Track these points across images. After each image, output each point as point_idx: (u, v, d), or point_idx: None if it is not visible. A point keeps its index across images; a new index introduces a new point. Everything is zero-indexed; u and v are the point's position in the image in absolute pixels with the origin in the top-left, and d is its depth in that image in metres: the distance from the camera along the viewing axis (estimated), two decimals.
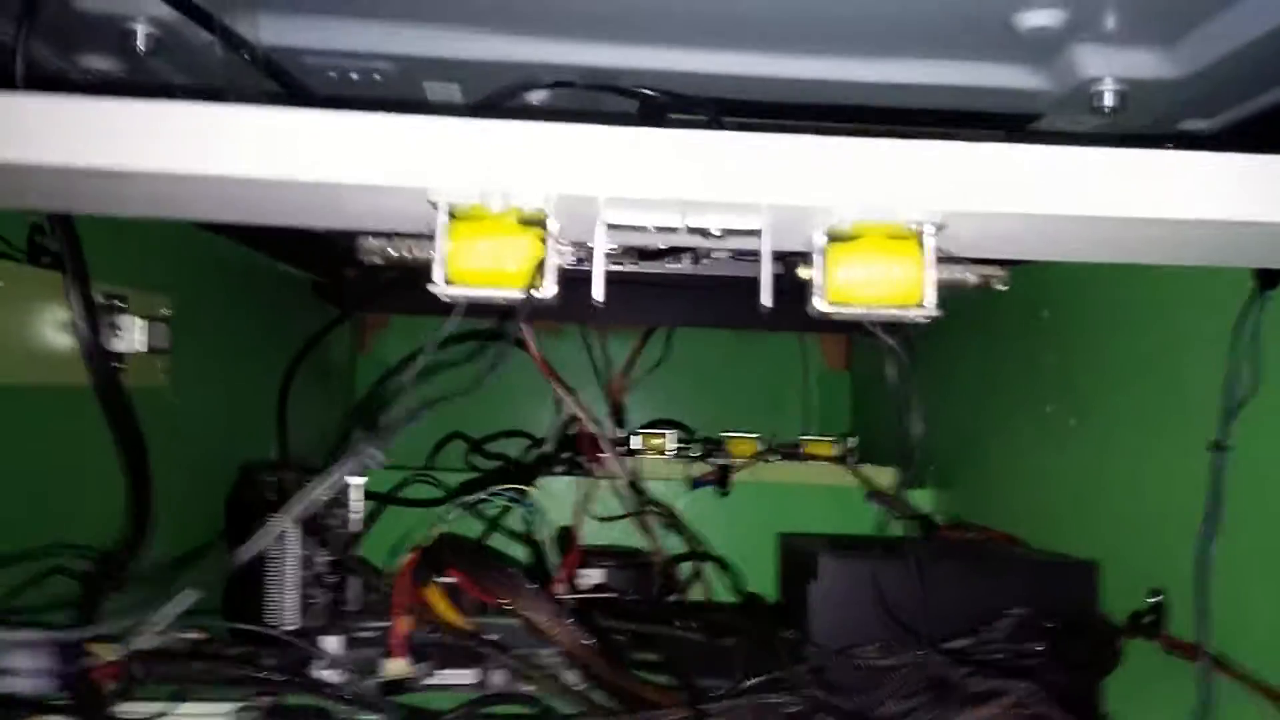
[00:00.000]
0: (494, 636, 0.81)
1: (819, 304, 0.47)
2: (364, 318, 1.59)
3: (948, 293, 0.48)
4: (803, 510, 1.24)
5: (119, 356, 0.83)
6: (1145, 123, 0.72)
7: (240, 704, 0.66)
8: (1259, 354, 0.72)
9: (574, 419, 1.34)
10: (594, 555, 1.11)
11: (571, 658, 0.75)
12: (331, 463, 0.70)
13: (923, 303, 0.47)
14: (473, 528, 1.13)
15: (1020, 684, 0.75)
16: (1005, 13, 0.58)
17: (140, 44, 0.60)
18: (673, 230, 0.47)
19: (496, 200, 0.45)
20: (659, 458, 1.39)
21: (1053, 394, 1.05)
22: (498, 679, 0.82)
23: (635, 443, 1.40)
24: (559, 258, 0.47)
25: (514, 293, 0.47)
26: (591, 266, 0.46)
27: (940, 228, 0.46)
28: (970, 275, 0.48)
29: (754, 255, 0.50)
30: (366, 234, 0.48)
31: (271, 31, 0.61)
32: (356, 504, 0.97)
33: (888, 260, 0.46)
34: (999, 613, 0.81)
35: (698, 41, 0.64)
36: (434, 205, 0.45)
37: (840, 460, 1.37)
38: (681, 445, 1.42)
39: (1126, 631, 0.84)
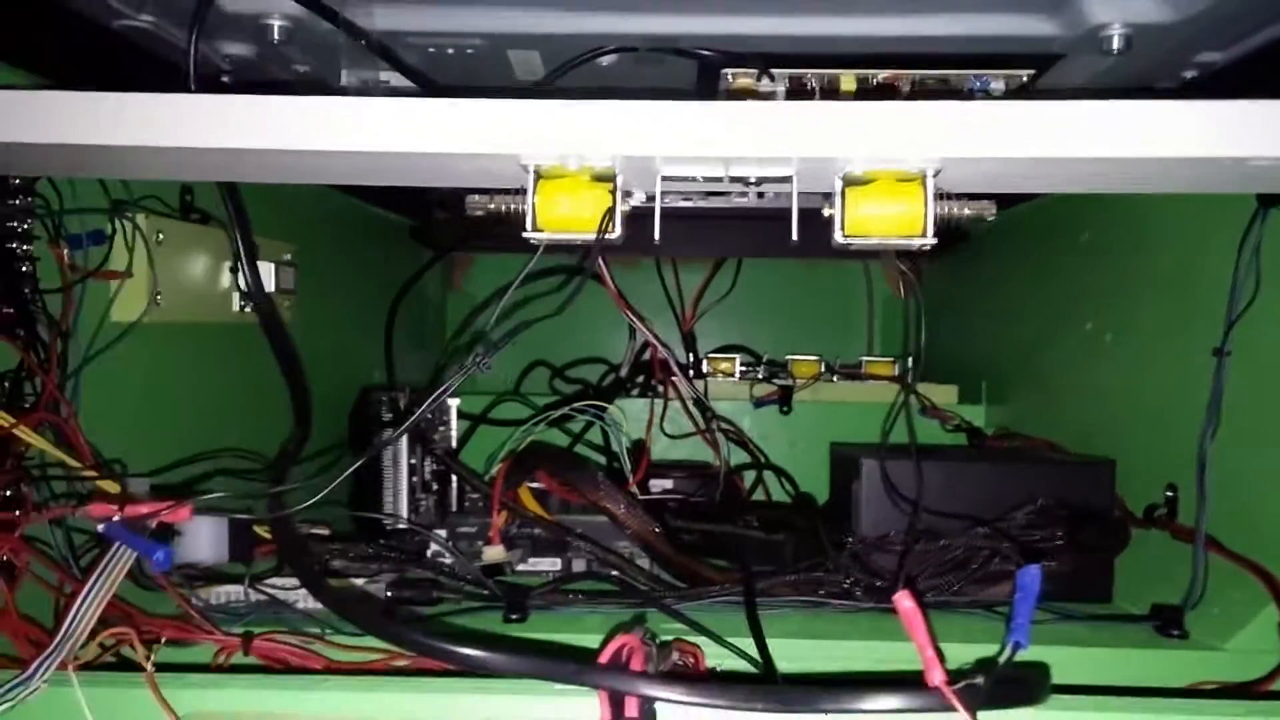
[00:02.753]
0: (575, 525, 0.94)
1: (838, 237, 0.58)
2: (454, 257, 1.71)
3: (948, 224, 0.58)
4: (860, 426, 1.31)
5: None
6: (1157, 59, 0.79)
7: (368, 577, 0.80)
8: (1259, 266, 0.79)
9: (648, 346, 1.44)
10: (665, 467, 1.23)
11: (641, 542, 0.88)
12: (439, 384, 0.82)
13: (925, 233, 0.57)
14: (557, 442, 1.25)
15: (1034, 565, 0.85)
16: None
17: (275, 36, 0.72)
18: (718, 179, 0.58)
19: (573, 161, 0.56)
20: (726, 379, 1.50)
21: (1092, 312, 1.13)
22: (578, 565, 0.95)
23: (704, 367, 1.52)
24: (625, 206, 0.58)
25: (589, 235, 0.58)
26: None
27: (938, 172, 0.56)
28: (966, 209, 0.58)
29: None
30: (472, 191, 0.59)
31: (381, 19, 0.73)
32: (452, 421, 1.11)
33: (894, 200, 0.57)
34: (1024, 501, 0.91)
35: (746, 9, 0.73)
36: (524, 168, 0.56)
37: (898, 379, 1.45)
38: (747, 368, 1.53)
39: (1139, 522, 0.94)
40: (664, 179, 0.58)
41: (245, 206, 0.72)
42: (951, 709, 0.41)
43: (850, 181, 0.57)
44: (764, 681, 0.65)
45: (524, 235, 0.58)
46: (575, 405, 1.05)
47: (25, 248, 0.69)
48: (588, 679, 0.43)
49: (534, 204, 0.58)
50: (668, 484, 1.23)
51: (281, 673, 0.58)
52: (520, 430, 1.03)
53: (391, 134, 0.54)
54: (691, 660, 0.61)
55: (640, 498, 1.00)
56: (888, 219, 0.57)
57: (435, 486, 1.06)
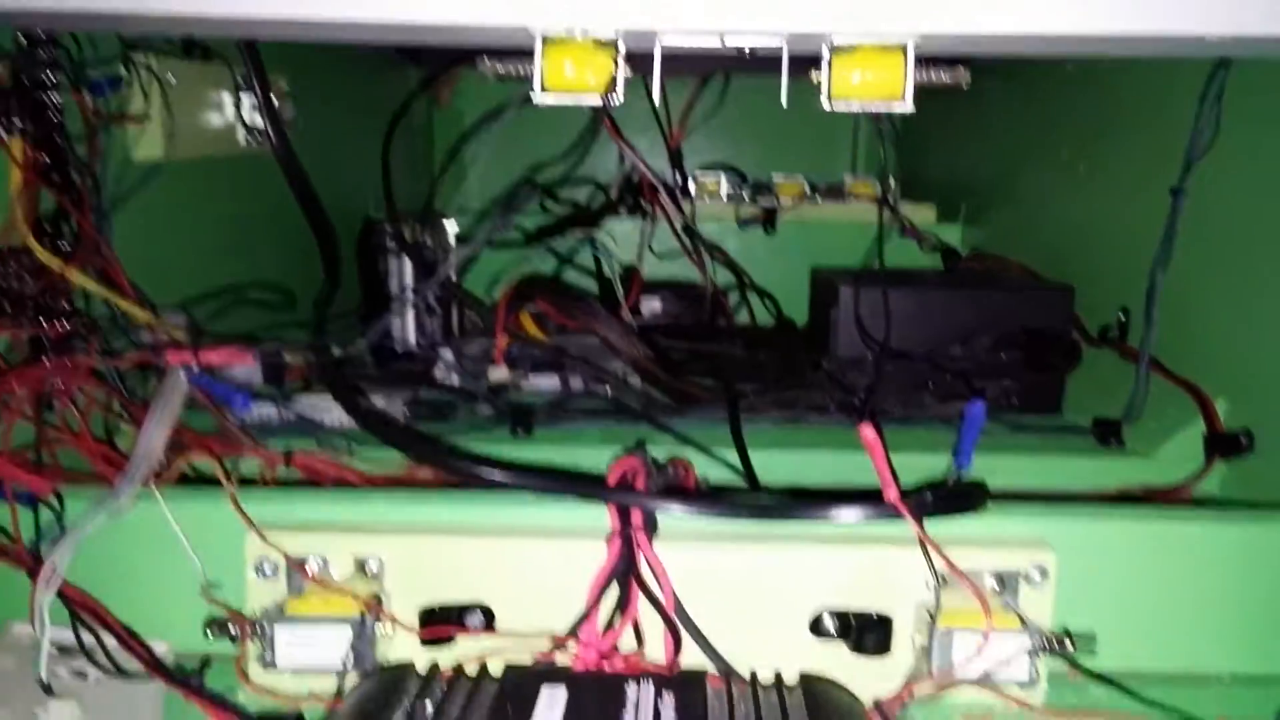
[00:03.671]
0: (572, 347, 1.02)
1: (824, 101, 0.63)
2: (439, 74, 1.71)
3: (927, 88, 0.63)
4: (842, 247, 1.36)
5: (261, 135, 1.00)
6: None
7: (386, 394, 0.87)
8: (1218, 113, 0.84)
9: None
10: (654, 287, 1.30)
11: (635, 365, 0.96)
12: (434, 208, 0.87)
13: (904, 98, 0.62)
14: (550, 265, 1.31)
15: (991, 383, 0.94)
16: None
17: None
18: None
19: (578, 32, 0.60)
20: (713, 200, 1.55)
21: (1068, 141, 1.18)
22: (576, 383, 1.03)
23: (691, 187, 1.56)
24: (625, 71, 0.62)
25: (593, 97, 0.62)
26: None
27: (918, 44, 0.60)
28: (943, 76, 0.63)
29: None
30: (482, 53, 0.63)
31: None
32: (451, 245, 1.17)
33: (877, 68, 0.61)
34: (985, 329, 0.99)
35: None
36: (532, 35, 0.60)
37: (880, 199, 1.50)
38: (733, 188, 1.58)
39: (1093, 341, 1.02)
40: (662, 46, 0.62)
41: (260, 56, 0.75)
42: (903, 518, 0.50)
43: (836, 50, 0.61)
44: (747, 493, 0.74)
45: (531, 96, 0.63)
46: (567, 233, 1.10)
47: (54, 97, 0.72)
48: (601, 495, 0.52)
49: (542, 68, 0.62)
50: (656, 304, 1.30)
51: (330, 488, 0.66)
52: (519, 255, 1.10)
53: (407, 4, 0.58)
54: (684, 473, 0.69)
55: (632, 320, 1.08)
56: (870, 85, 0.62)
57: (439, 310, 1.13)
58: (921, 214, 1.48)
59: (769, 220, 1.49)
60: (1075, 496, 0.83)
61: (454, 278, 1.11)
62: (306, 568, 0.52)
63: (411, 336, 1.09)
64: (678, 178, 1.62)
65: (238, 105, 1.00)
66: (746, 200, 1.54)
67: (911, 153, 1.76)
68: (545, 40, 0.61)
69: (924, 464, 0.82)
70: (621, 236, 1.38)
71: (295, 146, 1.08)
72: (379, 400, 0.84)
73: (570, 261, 1.29)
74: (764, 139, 1.79)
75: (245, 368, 0.81)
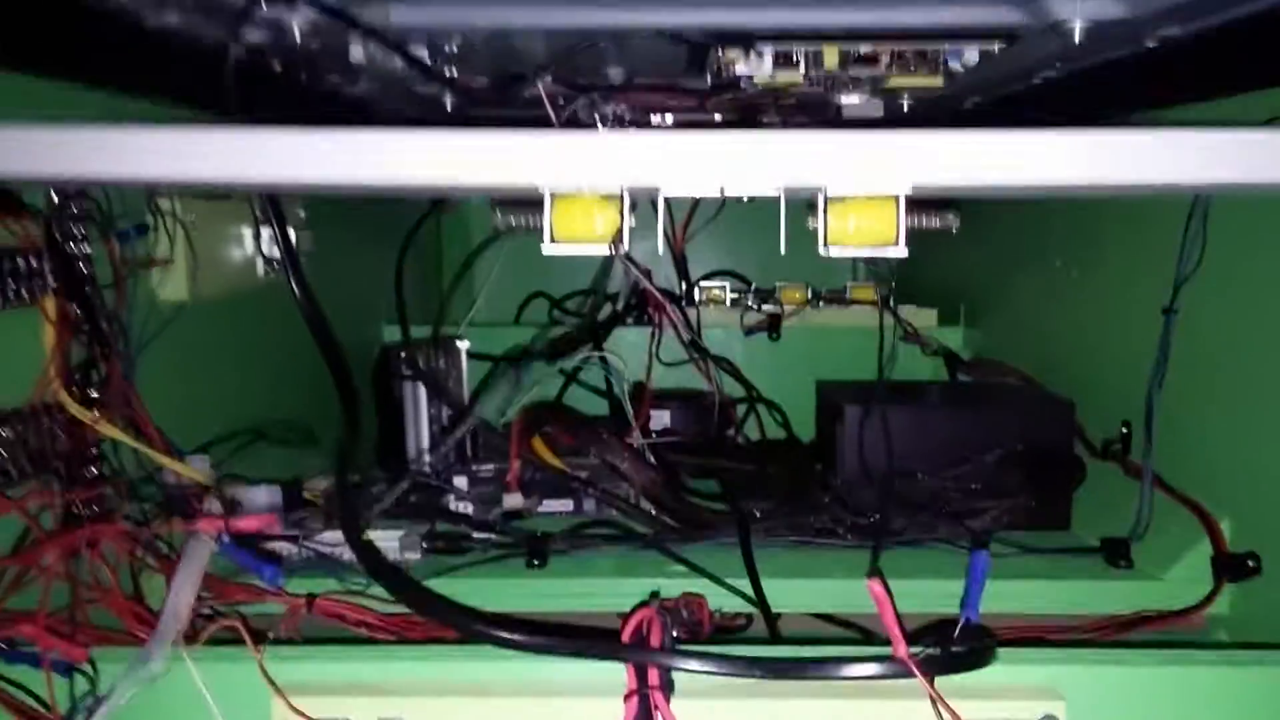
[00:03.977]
0: (584, 474, 1.03)
1: (821, 247, 0.65)
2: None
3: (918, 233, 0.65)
4: (846, 352, 1.39)
5: (279, 265, 1.03)
6: (1119, 38, 0.85)
7: (404, 531, 0.89)
8: (1205, 232, 0.87)
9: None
10: (662, 398, 1.32)
11: (645, 492, 0.97)
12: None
13: (897, 243, 0.65)
14: (559, 380, 1.33)
15: (1000, 503, 0.96)
16: None
17: (298, 37, 0.77)
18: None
19: (585, 189, 0.63)
20: (717, 307, 1.59)
21: (1062, 249, 1.21)
22: (589, 506, 1.04)
23: (696, 294, 1.60)
24: (631, 221, 0.65)
25: (601, 247, 0.65)
26: None
27: (909, 195, 0.63)
28: (934, 221, 0.66)
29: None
30: (495, 208, 0.67)
31: (396, 15, 0.78)
32: (463, 366, 1.19)
33: (869, 217, 0.64)
34: (990, 445, 1.00)
35: (734, 3, 0.79)
36: (542, 193, 0.63)
37: (883, 303, 1.52)
38: (738, 294, 1.61)
39: (1097, 454, 1.03)
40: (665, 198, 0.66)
41: (285, 217, 0.78)
42: (914, 676, 0.51)
43: (831, 200, 0.64)
44: (761, 641, 0.75)
45: (542, 248, 0.65)
46: (585, 355, 1.13)
47: (84, 248, 0.75)
48: (617, 654, 0.53)
49: (551, 222, 0.65)
50: (665, 417, 1.32)
51: (356, 642, 0.68)
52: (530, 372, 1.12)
53: (418, 167, 0.61)
54: (697, 610, 0.71)
55: (643, 440, 1.10)
56: (865, 232, 0.65)
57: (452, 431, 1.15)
58: (923, 318, 1.51)
59: (774, 327, 1.52)
60: (1087, 623, 0.84)
61: (465, 400, 1.14)
62: None
63: (426, 460, 1.11)
64: (682, 286, 1.66)
65: (256, 238, 1.03)
66: (751, 307, 1.57)
67: (912, 257, 1.79)
68: (554, 196, 0.65)
69: (935, 590, 0.84)
70: (629, 346, 1.41)
71: (312, 273, 1.12)
72: (396, 536, 0.85)
73: (580, 382, 1.31)
74: (766, 245, 1.82)
75: (269, 495, 0.83)
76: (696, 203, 1.76)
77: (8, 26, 0.69)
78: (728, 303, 1.61)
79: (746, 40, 0.85)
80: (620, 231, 0.65)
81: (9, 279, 0.64)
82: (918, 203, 0.65)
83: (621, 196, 0.64)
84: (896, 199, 0.63)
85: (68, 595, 0.63)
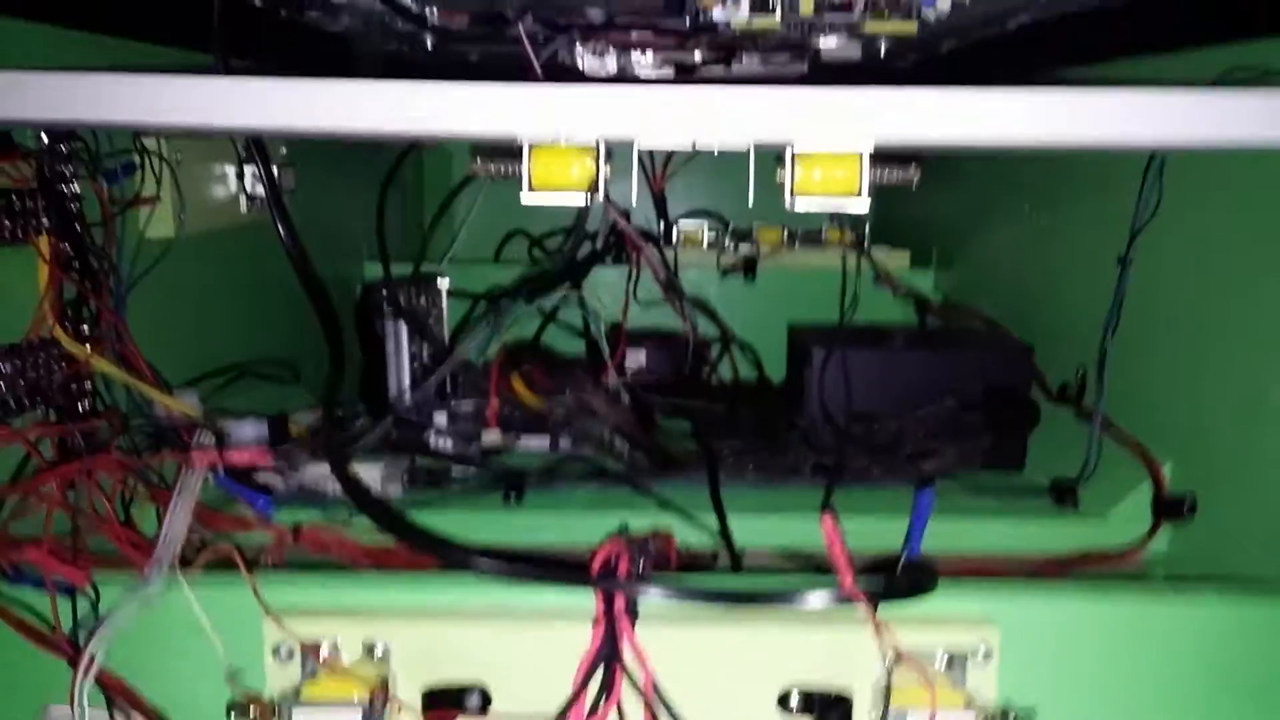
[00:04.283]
0: (560, 412, 1.07)
1: (788, 199, 0.68)
2: None
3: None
4: (820, 294, 1.39)
5: (262, 201, 1.05)
6: None
7: (386, 465, 0.92)
8: (1162, 185, 0.90)
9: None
10: (637, 337, 1.35)
11: (619, 431, 1.01)
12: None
13: (860, 194, 0.68)
14: (537, 319, 1.36)
15: (957, 444, 1.00)
16: None
17: None
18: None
19: (562, 139, 0.65)
20: (695, 248, 1.61)
21: (1030, 195, 1.24)
22: (564, 444, 1.08)
23: (674, 234, 1.62)
24: (606, 171, 0.68)
25: (578, 196, 0.68)
26: None
27: (871, 152, 0.66)
28: (896, 174, 0.69)
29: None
30: (475, 155, 0.69)
31: None
32: (444, 304, 1.22)
33: (834, 169, 0.67)
34: (950, 388, 1.04)
35: None
36: (520, 142, 0.66)
37: (856, 245, 1.55)
38: (715, 234, 1.64)
39: (1052, 397, 1.08)
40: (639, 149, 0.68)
41: (266, 149, 0.80)
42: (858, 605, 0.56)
43: (798, 155, 0.67)
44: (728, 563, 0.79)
45: (521, 197, 0.68)
46: (560, 292, 1.16)
47: (74, 188, 0.77)
48: (585, 582, 0.57)
49: (529, 170, 0.67)
50: (641, 356, 1.35)
51: (339, 569, 0.72)
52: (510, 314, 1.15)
53: (404, 117, 0.63)
54: (664, 545, 0.75)
55: (619, 380, 1.14)
56: (830, 182, 0.68)
57: (432, 368, 1.18)
58: (896, 259, 1.54)
59: (749, 269, 1.55)
60: (1031, 561, 0.89)
61: (446, 342, 1.17)
62: (320, 652, 0.57)
63: (407, 399, 1.14)
64: (660, 225, 1.68)
65: (240, 175, 1.05)
66: (728, 248, 1.59)
67: (887, 199, 1.82)
68: (532, 146, 0.67)
69: (890, 528, 0.88)
70: (607, 285, 1.44)
71: (294, 211, 1.14)
72: (379, 470, 0.89)
73: (557, 321, 1.34)
74: (745, 186, 1.84)
75: (255, 429, 0.86)
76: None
77: None
78: (705, 244, 1.63)
79: None
80: (596, 181, 0.68)
81: (4, 218, 0.66)
82: (881, 156, 0.68)
83: (597, 146, 0.67)
84: (860, 155, 0.66)
85: (66, 523, 0.66)
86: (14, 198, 0.68)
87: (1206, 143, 0.63)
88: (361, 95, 0.63)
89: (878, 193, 0.72)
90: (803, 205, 0.68)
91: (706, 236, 1.64)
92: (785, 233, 1.62)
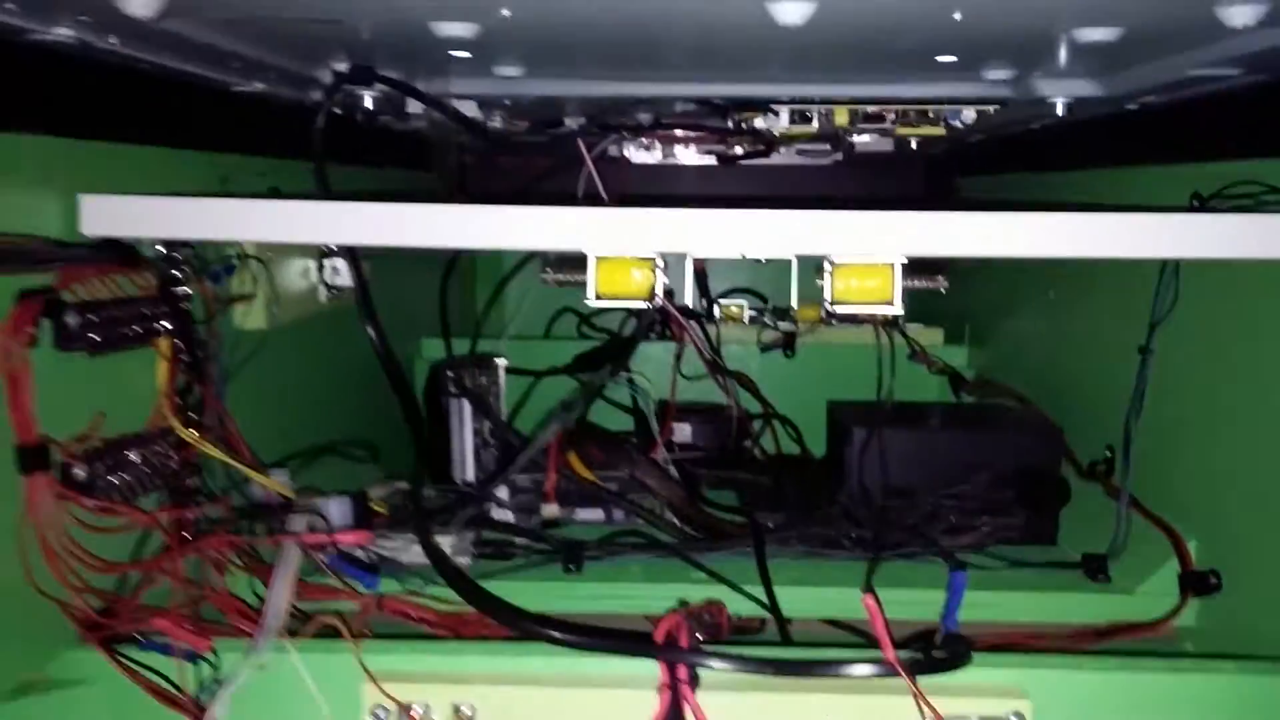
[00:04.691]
0: (614, 486, 1.14)
1: (826, 305, 0.76)
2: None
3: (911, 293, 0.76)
4: (857, 367, 1.43)
5: (338, 290, 1.14)
6: (1099, 105, 0.94)
7: (456, 536, 1.00)
8: (1178, 281, 0.96)
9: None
10: (683, 411, 1.42)
11: (669, 505, 1.08)
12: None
13: (893, 303, 0.75)
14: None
15: (992, 520, 1.06)
16: (978, 66, 0.82)
17: (368, 104, 0.88)
18: None
19: (625, 253, 0.74)
20: (736, 325, 1.68)
21: (1055, 283, 1.30)
22: (618, 515, 1.15)
23: (716, 312, 1.69)
24: (664, 279, 0.76)
25: (638, 302, 0.76)
26: None
27: (904, 264, 0.74)
28: (925, 283, 0.76)
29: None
30: (546, 266, 0.77)
31: (455, 86, 0.89)
32: (501, 382, 1.30)
33: (868, 279, 0.74)
34: (984, 465, 1.10)
35: (758, 78, 0.90)
36: (588, 256, 0.74)
37: (891, 324, 1.61)
38: (756, 312, 1.71)
39: (1083, 473, 1.13)
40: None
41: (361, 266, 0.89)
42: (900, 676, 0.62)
43: (836, 266, 0.75)
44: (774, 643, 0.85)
45: (585, 301, 0.76)
46: (615, 375, 1.23)
47: (186, 290, 0.86)
48: (651, 653, 0.64)
49: (594, 280, 0.75)
50: (687, 429, 1.42)
51: (419, 637, 0.79)
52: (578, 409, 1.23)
53: (486, 235, 0.72)
54: (717, 615, 0.81)
55: (667, 456, 1.21)
56: (865, 291, 0.75)
57: (493, 443, 1.25)
58: (929, 336, 1.61)
59: (789, 344, 1.62)
60: (1064, 633, 0.94)
61: (504, 418, 1.24)
62: (413, 713, 0.64)
63: (470, 469, 1.22)
64: (703, 303, 1.76)
65: (320, 268, 1.14)
66: (768, 324, 1.66)
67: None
68: (598, 259, 0.75)
69: (928, 598, 0.94)
70: (654, 360, 1.51)
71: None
72: (450, 542, 0.96)
73: (607, 399, 1.41)
74: (785, 264, 1.92)
75: (341, 506, 0.94)
76: None
77: (119, 107, 0.80)
78: (746, 319, 1.70)
79: (764, 105, 0.95)
80: (655, 289, 0.76)
81: (136, 324, 0.75)
82: (913, 265, 0.75)
83: (655, 261, 0.75)
84: (892, 266, 0.74)
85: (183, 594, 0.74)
86: (142, 305, 0.76)
87: (1204, 256, 0.70)
88: (449, 217, 0.71)
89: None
90: (841, 311, 0.76)
91: (747, 314, 1.71)
92: (822, 310, 1.69)
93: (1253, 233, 0.69)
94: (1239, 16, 0.57)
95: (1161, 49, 0.73)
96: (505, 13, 0.62)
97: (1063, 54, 0.74)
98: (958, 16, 0.60)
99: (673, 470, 1.20)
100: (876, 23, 0.65)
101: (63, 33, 0.63)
